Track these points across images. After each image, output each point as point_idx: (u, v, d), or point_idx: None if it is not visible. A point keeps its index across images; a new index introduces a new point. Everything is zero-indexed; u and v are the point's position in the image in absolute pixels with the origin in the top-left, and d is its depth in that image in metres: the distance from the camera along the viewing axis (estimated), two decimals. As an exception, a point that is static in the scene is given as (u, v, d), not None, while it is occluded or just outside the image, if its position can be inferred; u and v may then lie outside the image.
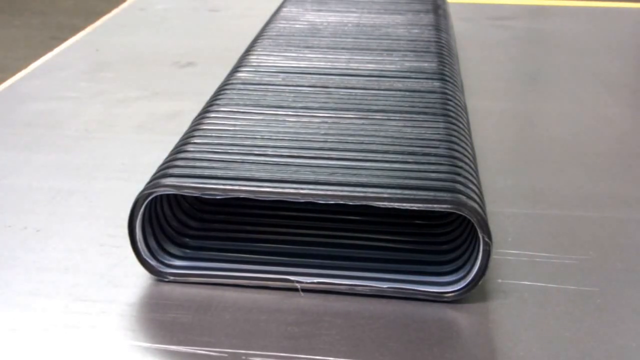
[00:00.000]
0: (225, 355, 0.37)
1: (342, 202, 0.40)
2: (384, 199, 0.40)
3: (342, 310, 0.41)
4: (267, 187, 0.41)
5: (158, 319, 0.40)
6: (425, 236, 0.46)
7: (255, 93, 0.52)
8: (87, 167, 0.57)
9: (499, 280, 0.43)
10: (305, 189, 0.40)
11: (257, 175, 0.42)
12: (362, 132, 0.46)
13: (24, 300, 0.42)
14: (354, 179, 0.41)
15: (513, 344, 0.39)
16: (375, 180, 0.41)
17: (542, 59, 0.86)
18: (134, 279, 0.43)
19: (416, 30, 0.66)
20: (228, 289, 0.42)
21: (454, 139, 0.46)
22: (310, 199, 0.40)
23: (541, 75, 0.81)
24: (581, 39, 0.92)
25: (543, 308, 0.42)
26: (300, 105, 0.50)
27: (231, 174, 0.42)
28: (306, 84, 0.53)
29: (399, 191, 0.40)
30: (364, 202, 0.40)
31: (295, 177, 0.42)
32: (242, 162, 0.43)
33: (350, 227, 0.47)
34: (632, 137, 0.65)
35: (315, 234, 0.46)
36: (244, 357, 0.37)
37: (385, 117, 0.48)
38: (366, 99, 0.51)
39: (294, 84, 0.53)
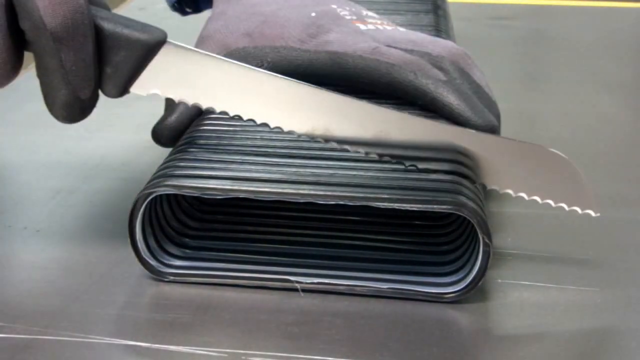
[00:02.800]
0: (225, 355, 0.37)
1: (342, 203, 0.40)
2: (384, 199, 0.40)
3: (342, 310, 0.41)
4: (267, 187, 0.41)
5: (158, 319, 0.40)
6: (425, 237, 0.46)
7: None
8: (87, 167, 0.57)
9: (499, 280, 0.43)
10: (305, 190, 0.40)
11: (257, 175, 0.42)
12: (362, 132, 0.46)
13: (23, 301, 0.42)
14: (354, 180, 0.41)
15: (513, 344, 0.39)
16: (375, 181, 0.41)
17: (542, 59, 0.86)
18: (134, 279, 0.43)
19: (416, 31, 0.65)
20: (228, 289, 0.42)
21: (454, 139, 0.46)
22: (310, 200, 0.40)
23: (541, 75, 0.81)
24: (581, 39, 0.92)
25: (543, 308, 0.41)
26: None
27: (231, 174, 0.42)
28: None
29: (398, 192, 0.40)
30: (364, 203, 0.40)
31: (295, 177, 0.42)
32: (242, 162, 0.43)
33: (350, 228, 0.47)
34: (632, 137, 0.65)
35: (315, 234, 0.46)
36: (243, 357, 0.37)
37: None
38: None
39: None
